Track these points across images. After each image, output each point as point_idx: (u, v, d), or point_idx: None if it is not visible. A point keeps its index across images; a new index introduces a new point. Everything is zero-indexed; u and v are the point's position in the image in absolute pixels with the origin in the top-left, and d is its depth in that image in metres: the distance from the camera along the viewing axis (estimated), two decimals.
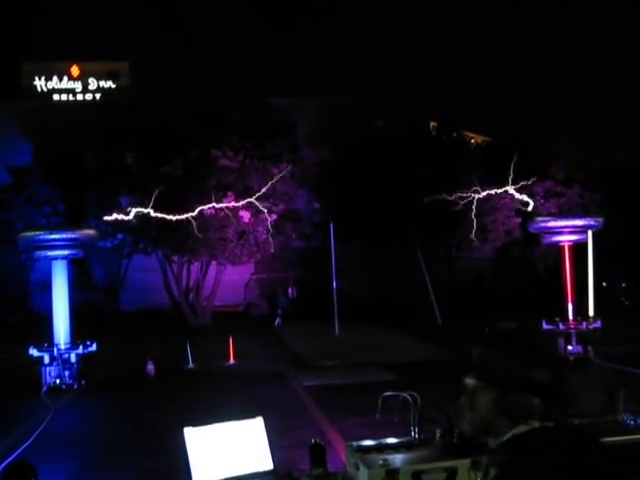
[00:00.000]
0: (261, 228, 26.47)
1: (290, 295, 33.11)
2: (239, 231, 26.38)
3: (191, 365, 17.52)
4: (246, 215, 25.71)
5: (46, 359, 14.72)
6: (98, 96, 39.38)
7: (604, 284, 28.86)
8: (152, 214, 21.85)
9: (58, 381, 14.56)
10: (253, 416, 4.75)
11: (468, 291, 30.16)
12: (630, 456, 4.77)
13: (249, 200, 24.46)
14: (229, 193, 25.43)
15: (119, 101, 35.09)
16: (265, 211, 24.90)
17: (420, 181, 26.34)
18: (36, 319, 21.05)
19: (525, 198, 23.12)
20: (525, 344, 2.47)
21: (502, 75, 72.04)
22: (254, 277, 35.31)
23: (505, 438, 2.38)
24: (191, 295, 30.52)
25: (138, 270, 32.09)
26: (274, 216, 26.55)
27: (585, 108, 66.01)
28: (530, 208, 23.22)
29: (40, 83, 38.98)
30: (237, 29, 73.43)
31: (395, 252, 30.42)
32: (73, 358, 14.92)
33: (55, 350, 14.78)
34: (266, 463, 4.61)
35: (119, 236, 28.92)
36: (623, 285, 31.54)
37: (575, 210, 26.71)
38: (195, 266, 30.08)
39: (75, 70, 39.36)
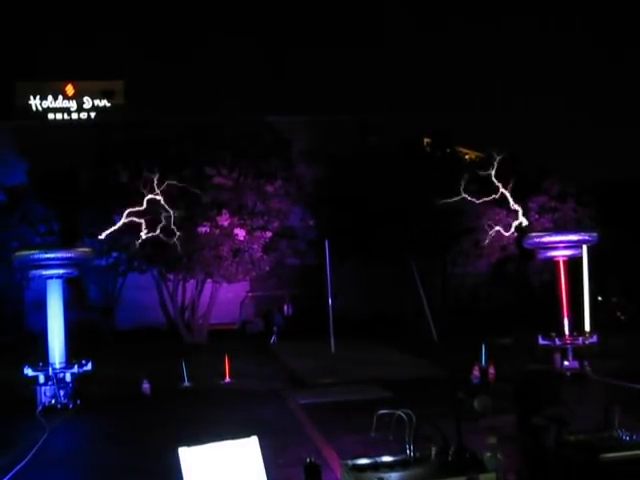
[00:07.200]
0: (256, 246, 26.40)
1: (286, 312, 33.00)
2: (234, 249, 26.30)
3: (187, 383, 17.45)
4: (241, 233, 25.65)
5: (41, 379, 14.67)
6: (93, 115, 39.39)
7: (599, 298, 28.88)
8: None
9: (53, 401, 14.52)
10: (248, 435, 4.75)
11: (463, 306, 30.07)
12: (626, 472, 4.77)
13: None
14: (224, 211, 25.40)
15: (114, 120, 35.08)
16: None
17: (414, 197, 26.34)
18: (31, 338, 20.94)
19: (521, 219, 23.14)
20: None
21: (495, 91, 72.38)
22: (249, 295, 35.20)
23: None
24: (187, 313, 30.34)
25: (133, 288, 31.91)
26: (269, 233, 26.49)
27: (576, 123, 66.31)
28: (524, 224, 23.23)
29: (35, 102, 38.98)
30: (231, 48, 73.77)
31: (390, 269, 30.35)
32: (68, 377, 14.86)
33: (50, 369, 14.74)
34: None
35: (114, 254, 28.80)
36: (617, 300, 31.50)
37: (569, 225, 26.69)
38: (190, 284, 29.95)
39: (70, 89, 39.37)
